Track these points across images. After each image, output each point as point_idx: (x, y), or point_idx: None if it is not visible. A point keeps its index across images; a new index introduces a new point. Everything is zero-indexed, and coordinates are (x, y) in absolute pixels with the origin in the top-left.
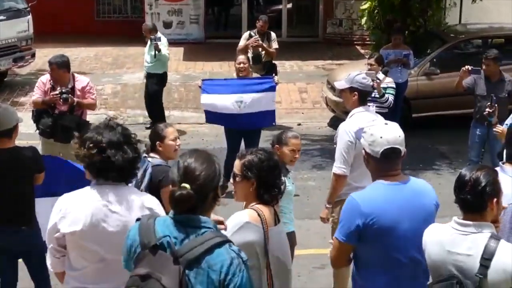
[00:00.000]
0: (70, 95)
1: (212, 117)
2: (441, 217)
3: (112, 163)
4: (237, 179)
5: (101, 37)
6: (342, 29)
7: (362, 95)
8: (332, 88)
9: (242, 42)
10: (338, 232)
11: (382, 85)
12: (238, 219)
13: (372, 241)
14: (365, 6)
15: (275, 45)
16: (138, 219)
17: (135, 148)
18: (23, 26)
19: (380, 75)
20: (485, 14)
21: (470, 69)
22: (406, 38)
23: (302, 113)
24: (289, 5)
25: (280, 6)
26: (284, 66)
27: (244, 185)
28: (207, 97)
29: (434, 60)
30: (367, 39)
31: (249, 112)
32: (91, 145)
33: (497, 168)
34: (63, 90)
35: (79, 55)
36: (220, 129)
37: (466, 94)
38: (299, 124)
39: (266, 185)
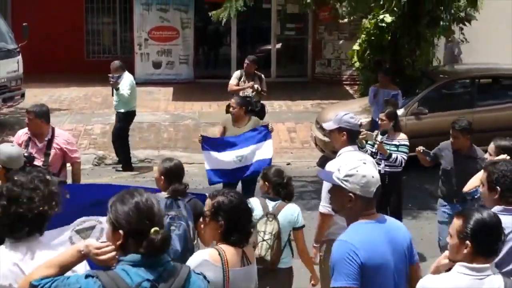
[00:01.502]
0: (32, 155)
1: (215, 177)
2: (432, 257)
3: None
4: (206, 219)
5: (91, 77)
6: (331, 69)
7: (351, 135)
8: (321, 128)
9: (233, 81)
10: (341, 280)
11: (394, 142)
12: (198, 257)
13: (366, 282)
14: (356, 47)
15: (264, 87)
16: (87, 276)
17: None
18: (13, 66)
19: (379, 137)
20: (473, 54)
21: (421, 150)
22: (394, 78)
23: (291, 153)
24: (278, 45)
25: (269, 46)
26: (273, 105)
27: (212, 226)
28: (208, 154)
29: (423, 100)
30: (356, 79)
31: (248, 164)
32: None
33: (499, 209)
34: (25, 154)
35: (68, 95)
36: None
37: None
38: (288, 164)
39: (234, 228)
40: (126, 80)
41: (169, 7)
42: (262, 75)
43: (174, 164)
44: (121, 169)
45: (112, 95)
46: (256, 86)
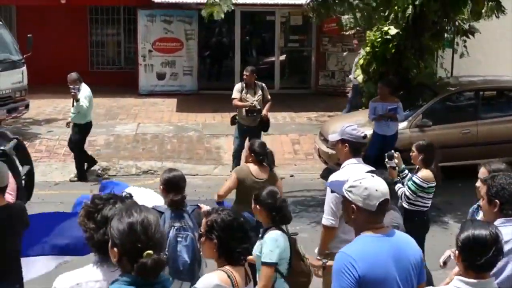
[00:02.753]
0: None
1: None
2: (433, 270)
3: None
4: (202, 238)
5: (94, 88)
6: (335, 80)
7: (353, 147)
8: (325, 140)
9: (236, 95)
10: None
11: (423, 184)
12: (208, 281)
13: None
14: (361, 62)
15: (267, 95)
16: None
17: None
18: (18, 77)
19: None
20: (476, 67)
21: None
22: (394, 90)
23: (295, 165)
24: (282, 57)
25: (273, 58)
26: (276, 117)
27: (208, 245)
28: None
29: (427, 112)
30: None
31: None
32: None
33: (500, 221)
34: None
35: None
36: (212, 181)
37: (459, 146)
38: (291, 176)
39: (228, 246)
40: (84, 92)
41: (173, 18)
42: (263, 84)
43: (173, 174)
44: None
45: (73, 105)
46: (256, 103)
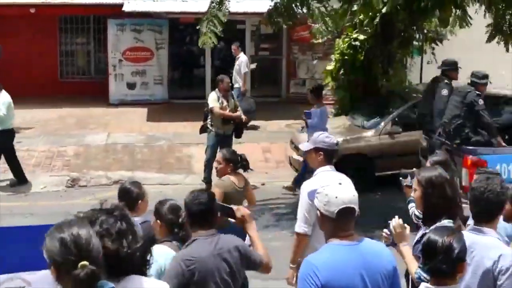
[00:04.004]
0: None
1: None
2: None
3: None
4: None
5: (65, 98)
6: (305, 88)
7: (327, 154)
8: (296, 148)
9: (215, 103)
10: None
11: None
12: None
13: None
14: (330, 67)
15: (236, 103)
16: None
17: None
18: None
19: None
20: None
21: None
22: (317, 95)
23: (266, 173)
24: (253, 66)
25: None
26: (248, 125)
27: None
28: None
29: (396, 119)
30: (330, 98)
31: None
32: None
33: (468, 232)
34: None
35: (42, 116)
36: (184, 190)
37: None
38: (263, 184)
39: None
40: (2, 99)
41: (143, 27)
42: (232, 92)
43: (120, 186)
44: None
45: None
46: (244, 117)
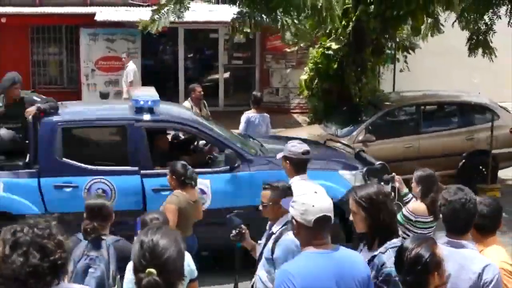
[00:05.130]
0: None
1: None
2: None
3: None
4: None
5: None
6: (279, 97)
7: (294, 163)
8: None
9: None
10: None
11: (410, 217)
12: None
13: None
14: (304, 77)
15: (208, 112)
16: None
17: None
18: None
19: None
20: (417, 82)
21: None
22: (256, 103)
23: None
24: (226, 75)
25: (217, 76)
26: None
27: None
28: None
29: (370, 127)
30: (304, 107)
31: None
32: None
33: (445, 246)
34: None
35: None
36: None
37: (402, 160)
38: None
39: None
40: None
41: (116, 37)
42: (204, 101)
43: (91, 202)
44: None
45: None
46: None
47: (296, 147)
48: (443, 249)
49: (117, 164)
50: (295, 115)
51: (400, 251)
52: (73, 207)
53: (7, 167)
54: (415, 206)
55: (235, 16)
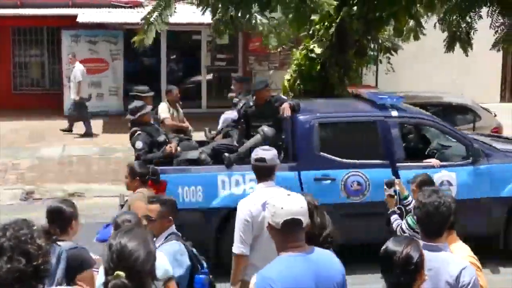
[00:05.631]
0: None
1: None
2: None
3: None
4: None
5: (19, 110)
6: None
7: (254, 169)
8: None
9: (167, 114)
10: None
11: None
12: None
13: None
14: (287, 78)
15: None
16: None
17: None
18: None
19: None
20: (399, 84)
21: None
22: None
23: None
24: (209, 76)
25: (200, 77)
26: (203, 137)
27: None
28: None
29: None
30: None
31: None
32: None
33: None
34: None
35: None
36: None
37: None
38: None
39: None
40: None
41: (98, 38)
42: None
43: (51, 205)
44: None
45: None
46: (191, 128)
47: (255, 154)
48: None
49: (369, 158)
50: None
51: (387, 255)
52: (330, 198)
53: None
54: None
55: (215, 18)
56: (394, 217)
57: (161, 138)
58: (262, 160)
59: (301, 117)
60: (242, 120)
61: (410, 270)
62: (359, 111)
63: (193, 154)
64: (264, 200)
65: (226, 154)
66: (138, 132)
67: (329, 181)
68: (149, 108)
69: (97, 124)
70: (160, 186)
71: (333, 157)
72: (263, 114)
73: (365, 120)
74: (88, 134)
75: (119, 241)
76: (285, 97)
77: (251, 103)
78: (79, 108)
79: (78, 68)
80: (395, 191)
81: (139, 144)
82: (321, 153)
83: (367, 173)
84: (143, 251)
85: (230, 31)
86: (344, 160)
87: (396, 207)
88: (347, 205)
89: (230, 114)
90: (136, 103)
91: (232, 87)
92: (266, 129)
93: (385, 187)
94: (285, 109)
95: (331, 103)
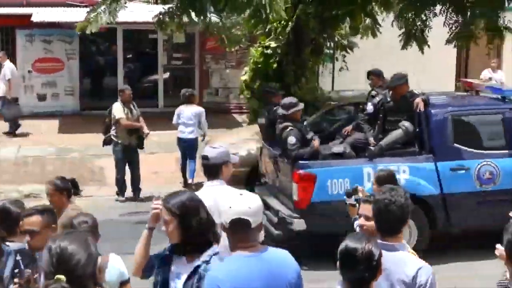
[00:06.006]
0: None
1: None
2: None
3: None
4: None
5: None
6: (219, 97)
7: (204, 166)
8: None
9: (122, 114)
10: None
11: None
12: None
13: None
14: (244, 77)
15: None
16: None
17: None
18: None
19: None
20: (356, 81)
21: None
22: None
23: (180, 183)
24: (166, 75)
25: (156, 76)
26: (160, 136)
27: None
28: None
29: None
30: (244, 107)
31: None
32: None
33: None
34: None
35: None
36: (97, 202)
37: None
38: None
39: None
40: None
41: (53, 38)
42: (134, 102)
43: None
44: None
45: None
46: (147, 132)
47: (209, 152)
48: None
49: (498, 148)
50: (235, 115)
51: (349, 252)
52: (466, 187)
53: (405, 153)
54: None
55: (162, 12)
56: (356, 223)
57: (309, 135)
58: (205, 158)
59: (435, 111)
60: (380, 115)
61: (373, 266)
62: (485, 104)
63: (338, 149)
64: (208, 200)
65: (371, 147)
66: (290, 127)
67: (463, 171)
68: (301, 105)
69: (52, 124)
70: (310, 179)
71: (466, 148)
72: (400, 109)
73: (493, 112)
74: (11, 133)
75: (58, 244)
76: (416, 92)
77: (388, 98)
78: (9, 106)
79: (8, 66)
80: (357, 199)
81: (292, 139)
82: (455, 144)
83: (497, 162)
84: (84, 254)
85: (174, 27)
86: (476, 151)
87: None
88: (480, 194)
89: (185, 108)
90: (291, 99)
91: (369, 80)
92: (407, 124)
93: (345, 197)
94: (419, 104)
95: (455, 98)
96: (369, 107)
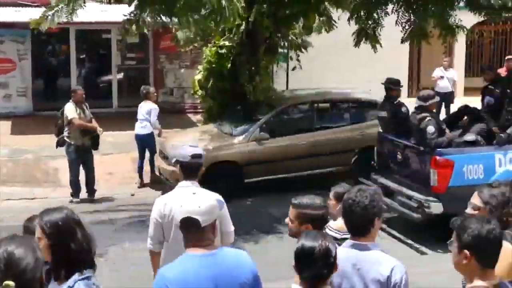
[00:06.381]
0: None
1: None
2: (285, 279)
3: None
4: None
5: None
6: (173, 97)
7: (183, 167)
8: (165, 157)
9: (74, 114)
10: None
11: (335, 235)
12: None
13: None
14: (198, 77)
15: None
16: None
17: None
18: None
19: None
20: (310, 80)
21: None
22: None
23: (136, 183)
24: (120, 75)
25: (110, 77)
26: (115, 136)
27: None
28: None
29: (264, 125)
30: (198, 107)
31: None
32: None
33: (348, 248)
34: None
35: None
36: (51, 204)
37: (297, 158)
38: (132, 195)
39: None
40: None
41: (4, 38)
42: (86, 103)
43: None
44: None
45: None
46: (101, 130)
47: (186, 151)
48: (348, 252)
49: None
50: (190, 115)
51: (306, 251)
52: None
53: None
54: (340, 224)
55: (126, 17)
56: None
57: (444, 126)
58: (199, 156)
59: None
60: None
61: (331, 263)
62: None
63: (470, 137)
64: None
65: (502, 135)
66: (429, 118)
67: None
68: (437, 98)
69: (5, 126)
70: (449, 165)
71: None
72: None
73: None
74: None
75: (5, 249)
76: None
77: (509, 90)
78: None
79: None
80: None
81: (431, 129)
82: None
83: None
84: (32, 258)
85: (141, 29)
86: None
87: None
88: None
89: (143, 104)
90: (429, 92)
91: (485, 75)
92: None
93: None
94: None
95: None
96: (489, 99)
